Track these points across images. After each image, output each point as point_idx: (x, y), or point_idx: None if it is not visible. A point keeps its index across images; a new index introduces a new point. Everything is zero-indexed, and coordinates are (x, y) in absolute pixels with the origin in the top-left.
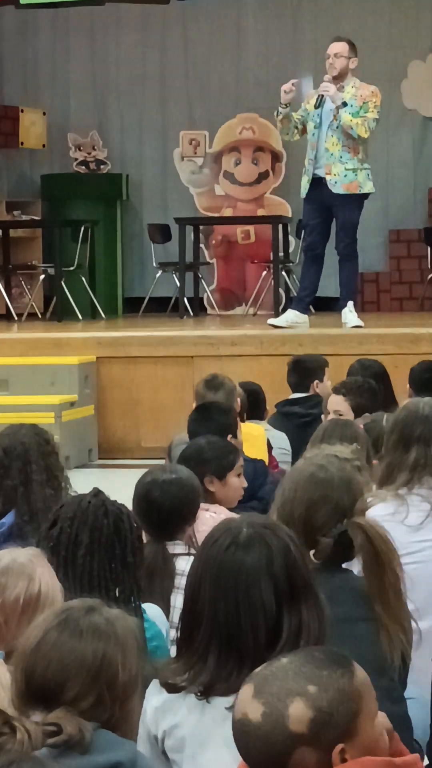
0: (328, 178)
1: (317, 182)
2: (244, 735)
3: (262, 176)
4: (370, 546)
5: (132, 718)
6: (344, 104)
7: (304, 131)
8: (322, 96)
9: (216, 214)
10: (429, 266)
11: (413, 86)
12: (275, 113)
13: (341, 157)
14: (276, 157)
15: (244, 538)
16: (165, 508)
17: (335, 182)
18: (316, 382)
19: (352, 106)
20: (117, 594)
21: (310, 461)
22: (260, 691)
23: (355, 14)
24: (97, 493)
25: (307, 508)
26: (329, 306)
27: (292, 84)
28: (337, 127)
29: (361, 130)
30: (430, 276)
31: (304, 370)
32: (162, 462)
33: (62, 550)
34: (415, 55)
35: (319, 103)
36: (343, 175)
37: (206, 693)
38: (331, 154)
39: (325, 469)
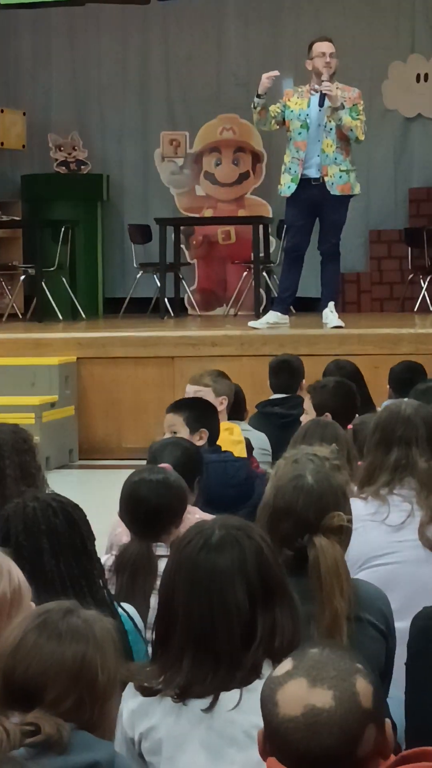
0: (326, 179)
1: (305, 183)
2: (314, 726)
3: (243, 177)
4: (317, 569)
5: (111, 719)
6: (342, 106)
7: (282, 125)
8: (324, 95)
9: (196, 215)
10: (409, 267)
11: (394, 87)
12: (252, 105)
13: (336, 158)
14: (257, 158)
15: (217, 540)
16: (151, 507)
17: (332, 183)
18: (303, 381)
19: (345, 108)
20: (89, 588)
21: (291, 463)
22: (318, 678)
23: (335, 14)
24: (35, 496)
25: (272, 518)
26: (310, 306)
27: (275, 75)
28: (331, 129)
29: (360, 132)
30: (410, 276)
31: (289, 370)
32: (143, 463)
33: (26, 563)
34: (396, 56)
35: (322, 102)
36: (338, 176)
37: (182, 696)
38: (327, 156)
39: (302, 478)
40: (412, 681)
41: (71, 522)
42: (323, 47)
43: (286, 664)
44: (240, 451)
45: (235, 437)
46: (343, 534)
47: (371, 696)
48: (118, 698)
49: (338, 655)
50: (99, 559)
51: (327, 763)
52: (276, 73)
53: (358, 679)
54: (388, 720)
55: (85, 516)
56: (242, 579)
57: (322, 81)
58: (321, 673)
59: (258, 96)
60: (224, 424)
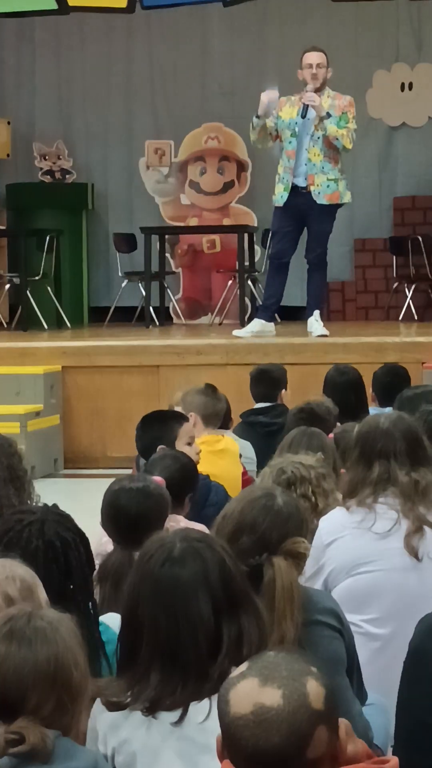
0: (312, 188)
1: (294, 191)
2: (263, 724)
3: (228, 185)
4: (272, 590)
5: (85, 716)
6: (328, 115)
7: (276, 138)
8: (307, 106)
9: (181, 224)
10: (394, 275)
11: (378, 96)
12: (251, 125)
13: (323, 167)
14: (241, 167)
15: (179, 553)
16: (132, 516)
17: (319, 192)
18: (282, 391)
19: (332, 116)
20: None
21: (268, 482)
22: (269, 678)
23: (320, 23)
24: (42, 520)
25: (235, 530)
26: (295, 315)
27: (270, 95)
28: (318, 138)
29: (347, 141)
30: (395, 285)
31: (268, 380)
32: (129, 472)
33: None
34: (380, 64)
35: (305, 113)
36: (326, 185)
37: (152, 709)
38: (314, 165)
39: (272, 498)
40: (409, 679)
41: (66, 570)
42: (311, 58)
43: (242, 666)
44: (226, 462)
45: (217, 447)
46: (300, 561)
47: (323, 698)
48: (89, 694)
49: (293, 657)
50: (86, 603)
51: (277, 763)
52: (275, 93)
53: (309, 680)
54: (344, 722)
55: (87, 556)
56: (206, 591)
57: (306, 92)
58: (273, 673)
59: (257, 117)
60: (201, 438)
